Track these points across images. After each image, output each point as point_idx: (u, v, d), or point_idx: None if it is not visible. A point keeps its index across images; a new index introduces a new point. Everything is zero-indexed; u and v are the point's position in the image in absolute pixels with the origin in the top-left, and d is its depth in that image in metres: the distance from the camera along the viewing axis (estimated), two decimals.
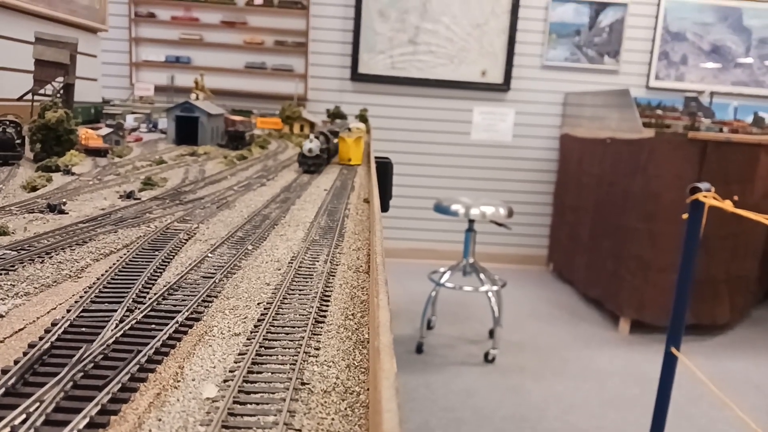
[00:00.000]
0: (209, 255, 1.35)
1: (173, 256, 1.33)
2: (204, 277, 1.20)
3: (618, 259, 5.95)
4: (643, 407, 4.16)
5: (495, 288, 5.24)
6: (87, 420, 0.65)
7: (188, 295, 1.08)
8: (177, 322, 0.95)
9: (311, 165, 2.73)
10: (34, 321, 0.94)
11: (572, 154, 7.42)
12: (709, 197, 2.67)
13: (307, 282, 1.21)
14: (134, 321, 0.93)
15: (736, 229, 5.55)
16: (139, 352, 0.82)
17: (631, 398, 4.57)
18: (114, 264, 1.21)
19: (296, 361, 0.85)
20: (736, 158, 5.54)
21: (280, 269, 1.30)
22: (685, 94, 7.10)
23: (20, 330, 0.91)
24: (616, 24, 7.72)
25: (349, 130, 3.28)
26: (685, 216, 2.79)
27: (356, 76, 7.62)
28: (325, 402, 0.75)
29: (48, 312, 0.98)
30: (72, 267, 1.20)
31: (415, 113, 7.76)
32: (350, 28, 7.55)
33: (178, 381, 0.78)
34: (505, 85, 7.73)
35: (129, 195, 1.90)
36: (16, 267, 1.16)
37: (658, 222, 5.53)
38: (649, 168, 5.59)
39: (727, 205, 2.58)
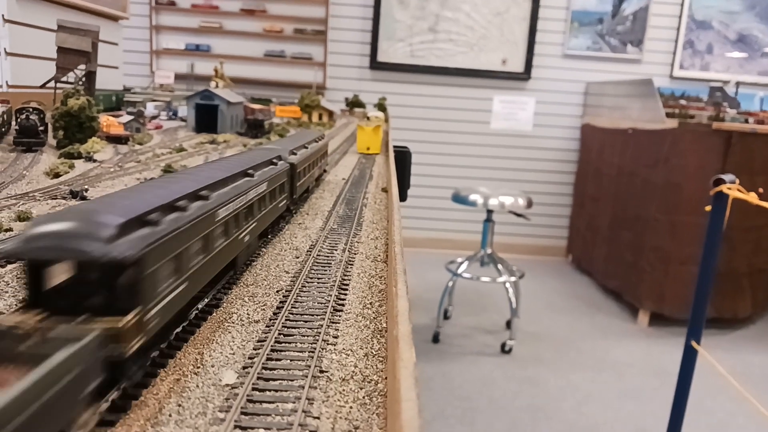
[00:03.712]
0: None
1: None
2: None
3: (638, 251, 5.88)
4: (662, 400, 4.13)
5: (513, 279, 5.22)
6: (108, 404, 0.66)
7: (208, 282, 1.09)
8: (197, 308, 0.96)
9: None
10: None
11: (593, 144, 7.33)
12: (733, 189, 2.63)
13: (325, 270, 1.21)
14: None
15: (760, 222, 5.45)
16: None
17: (649, 390, 4.54)
18: None
19: (315, 348, 0.85)
20: (761, 149, 5.43)
21: (298, 257, 1.30)
22: (710, 83, 6.97)
23: None
24: (640, 12, 7.58)
25: (368, 118, 3.27)
26: (708, 208, 2.74)
27: (375, 65, 7.59)
28: (344, 390, 0.75)
29: None
30: None
31: (434, 102, 7.71)
32: (369, 15, 7.51)
33: (198, 367, 0.79)
34: (525, 74, 7.64)
35: None
36: None
37: (679, 213, 5.46)
38: (671, 159, 5.50)
39: (752, 197, 2.54)
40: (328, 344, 0.88)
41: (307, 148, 1.91)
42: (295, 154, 1.68)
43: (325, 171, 2.46)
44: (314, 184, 2.09)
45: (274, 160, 1.47)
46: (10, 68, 3.61)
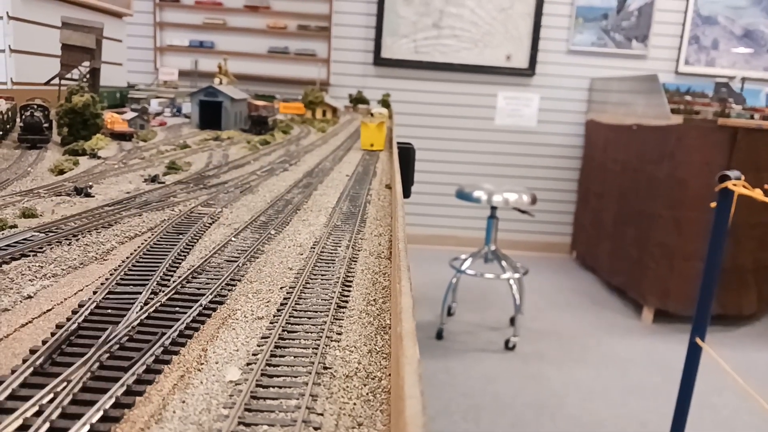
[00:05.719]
0: (233, 239, 1.35)
1: (197, 239, 1.34)
2: (227, 260, 1.21)
3: (642, 247, 5.87)
4: (666, 396, 4.12)
5: (517, 275, 5.21)
6: (113, 400, 0.66)
7: (212, 279, 1.09)
8: (201, 305, 0.96)
9: None
10: (61, 302, 0.96)
11: (598, 140, 7.31)
12: (738, 185, 2.61)
13: (329, 267, 1.21)
14: (159, 303, 0.93)
15: (766, 218, 5.43)
16: (164, 334, 0.83)
17: (653, 387, 4.53)
18: (139, 247, 1.22)
19: (318, 345, 0.85)
20: (767, 146, 5.40)
21: (302, 254, 1.30)
22: (715, 79, 6.93)
23: (48, 311, 0.92)
24: (645, 7, 7.55)
25: (372, 115, 3.26)
26: (713, 204, 2.73)
27: (379, 61, 7.58)
28: (347, 387, 0.75)
29: (75, 293, 1.00)
30: (98, 249, 1.22)
31: (438, 98, 7.70)
32: (373, 12, 7.50)
33: (202, 364, 0.79)
34: (530, 70, 7.62)
35: (153, 179, 1.92)
36: (44, 249, 1.18)
37: (684, 209, 5.44)
38: (676, 155, 5.48)
39: (758, 193, 2.52)
40: (331, 341, 0.87)
41: None
42: None
43: None
44: None
45: None
46: (15, 65, 3.62)
